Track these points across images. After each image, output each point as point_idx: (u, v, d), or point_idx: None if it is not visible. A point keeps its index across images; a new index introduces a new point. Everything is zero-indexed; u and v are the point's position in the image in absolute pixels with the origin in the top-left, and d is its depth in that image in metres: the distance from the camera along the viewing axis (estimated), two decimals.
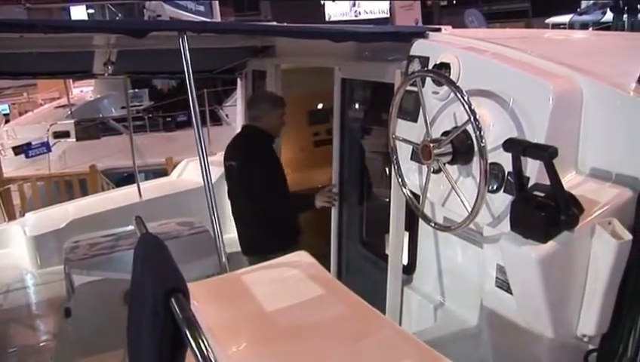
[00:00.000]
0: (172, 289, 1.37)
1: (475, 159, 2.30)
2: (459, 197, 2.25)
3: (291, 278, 2.11)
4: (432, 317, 2.91)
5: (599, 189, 2.01)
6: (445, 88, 2.43)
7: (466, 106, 2.09)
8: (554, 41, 3.16)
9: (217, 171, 5.49)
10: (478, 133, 2.06)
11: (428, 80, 2.51)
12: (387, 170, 3.63)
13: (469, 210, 2.17)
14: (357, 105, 3.66)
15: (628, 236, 1.87)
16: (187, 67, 2.65)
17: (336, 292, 2.01)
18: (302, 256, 2.26)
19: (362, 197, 3.70)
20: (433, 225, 2.46)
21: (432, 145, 2.30)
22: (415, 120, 2.65)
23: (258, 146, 3.95)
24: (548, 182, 1.98)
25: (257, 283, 2.08)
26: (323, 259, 3.53)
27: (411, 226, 3.08)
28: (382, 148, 3.41)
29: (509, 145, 1.99)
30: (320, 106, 5.54)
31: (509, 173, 2.17)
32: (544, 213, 1.87)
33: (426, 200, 2.54)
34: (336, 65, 3.49)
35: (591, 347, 2.07)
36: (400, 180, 2.56)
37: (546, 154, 1.84)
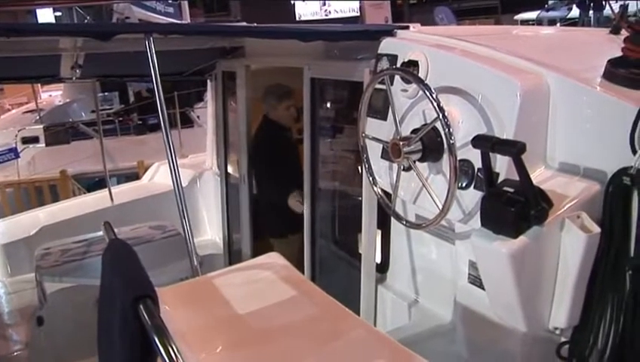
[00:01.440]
0: (140, 295, 1.35)
1: (445, 156, 2.31)
2: (429, 194, 2.25)
3: (263, 280, 2.10)
4: (407, 314, 2.91)
5: (568, 183, 2.03)
6: (414, 86, 2.43)
7: (435, 104, 2.09)
8: (522, 38, 3.18)
9: (189, 174, 5.48)
10: (446, 130, 2.06)
11: (397, 78, 2.52)
12: (359, 168, 3.63)
13: (440, 207, 2.18)
14: (327, 105, 3.66)
15: (596, 229, 1.89)
16: (154, 70, 2.61)
17: (308, 293, 2.00)
18: (273, 258, 2.25)
19: (334, 196, 3.70)
20: (405, 223, 2.47)
21: (401, 143, 2.30)
22: (385, 118, 2.65)
23: (264, 136, 4.43)
24: (517, 178, 2.00)
25: (229, 286, 2.06)
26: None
27: (384, 224, 3.07)
28: (353, 146, 3.41)
29: (478, 141, 2.00)
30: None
31: (478, 169, 2.17)
32: (514, 208, 1.88)
33: (397, 199, 2.54)
34: (305, 65, 3.47)
35: (563, 339, 2.09)
36: (371, 179, 2.56)
37: (514, 149, 1.85)
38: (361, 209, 3.04)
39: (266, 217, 4.47)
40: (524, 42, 3.00)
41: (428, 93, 2.10)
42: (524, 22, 17.16)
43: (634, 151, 1.84)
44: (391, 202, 2.50)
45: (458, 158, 2.15)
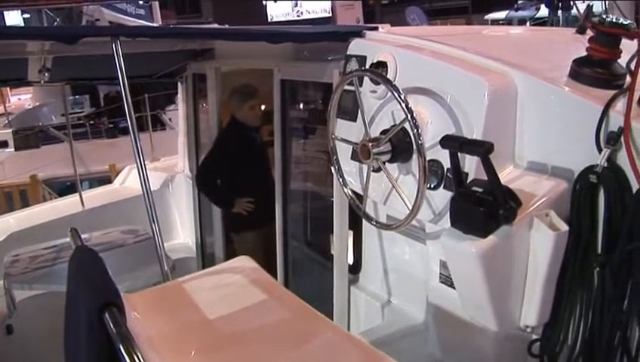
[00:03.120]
0: (106, 303, 1.33)
1: (415, 157, 2.30)
2: (399, 195, 2.25)
3: (234, 284, 2.07)
4: (380, 315, 2.91)
5: (536, 182, 2.04)
6: (383, 87, 2.43)
7: (403, 105, 2.09)
8: (490, 38, 3.20)
9: (161, 177, 5.42)
10: (415, 130, 2.06)
11: (366, 79, 2.51)
12: (330, 169, 3.62)
13: (410, 207, 2.17)
14: (297, 106, 3.65)
15: (564, 227, 1.90)
16: (121, 73, 2.57)
17: (279, 297, 1.98)
18: (244, 262, 2.23)
19: (306, 198, 3.69)
20: (375, 224, 2.46)
21: (370, 144, 2.29)
22: (354, 119, 2.64)
23: (225, 132, 4.41)
24: (486, 178, 2.01)
25: (200, 291, 2.03)
26: None
27: (355, 225, 3.07)
28: (324, 148, 3.39)
29: (446, 142, 2.00)
30: (262, 108, 5.50)
31: (448, 169, 2.17)
32: (483, 208, 1.89)
33: (368, 200, 2.54)
34: (275, 67, 3.46)
35: (534, 337, 2.10)
36: (341, 180, 2.55)
37: (482, 149, 1.85)
38: (332, 210, 3.04)
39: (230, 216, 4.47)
40: (492, 42, 3.02)
41: (396, 95, 2.10)
42: (495, 21, 17.33)
43: (599, 150, 1.85)
44: (362, 203, 2.49)
45: (427, 159, 2.15)
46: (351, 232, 3.09)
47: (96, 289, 1.39)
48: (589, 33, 2.64)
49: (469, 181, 2.06)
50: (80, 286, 1.48)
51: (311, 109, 3.61)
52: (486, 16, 18.75)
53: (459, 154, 2.02)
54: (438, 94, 2.24)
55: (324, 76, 3.00)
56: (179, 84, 5.31)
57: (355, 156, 2.59)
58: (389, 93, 2.40)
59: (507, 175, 2.12)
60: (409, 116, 2.07)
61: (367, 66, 2.58)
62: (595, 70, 2.03)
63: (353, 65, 2.69)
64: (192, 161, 4.93)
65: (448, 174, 2.18)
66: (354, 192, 2.58)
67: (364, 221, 3.02)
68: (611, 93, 1.95)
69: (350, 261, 3.12)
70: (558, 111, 2.04)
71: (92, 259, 1.58)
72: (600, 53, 2.00)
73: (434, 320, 2.47)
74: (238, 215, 4.31)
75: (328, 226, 3.16)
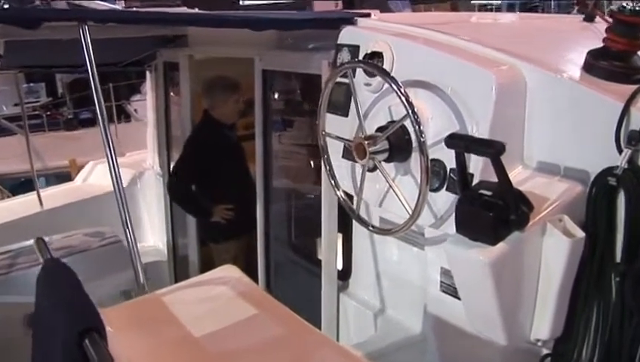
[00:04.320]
0: (86, 328, 1.25)
1: (414, 156, 2.26)
2: (398, 197, 2.20)
3: (220, 296, 2.01)
4: (372, 325, 2.87)
5: (547, 184, 2.00)
6: (378, 79, 2.38)
7: (403, 99, 2.04)
8: (489, 26, 3.15)
9: (128, 173, 5.30)
10: (417, 127, 2.01)
11: (359, 70, 2.45)
12: (316, 167, 3.57)
13: (410, 211, 2.12)
14: (281, 98, 3.58)
15: (580, 233, 1.86)
16: (89, 60, 2.47)
17: (269, 310, 1.92)
18: (229, 271, 2.16)
19: (290, 197, 3.63)
20: (371, 228, 2.41)
21: (366, 142, 2.24)
22: (346, 114, 2.58)
23: (199, 131, 4.24)
24: (494, 179, 1.95)
25: (182, 304, 1.96)
26: None
27: (345, 228, 3.03)
28: (309, 144, 3.35)
29: (452, 141, 1.95)
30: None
31: (451, 169, 2.13)
32: (492, 212, 1.84)
33: (361, 202, 2.49)
34: (256, 56, 3.38)
35: (545, 351, 2.07)
36: (333, 182, 2.49)
37: (493, 150, 1.80)
38: (319, 210, 2.99)
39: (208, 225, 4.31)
40: (492, 30, 2.98)
41: (396, 88, 2.05)
42: (482, 7, 17.39)
43: (620, 150, 1.82)
44: (354, 205, 2.44)
45: (429, 158, 2.10)
46: (340, 235, 3.03)
47: (75, 313, 1.31)
48: (599, 21, 2.65)
49: (475, 183, 2.01)
50: (55, 306, 1.40)
51: (295, 102, 3.55)
52: (473, 1, 18.79)
53: (464, 154, 1.96)
54: (440, 88, 2.19)
55: (311, 67, 2.94)
56: (147, 72, 5.20)
57: (347, 154, 2.53)
58: (385, 87, 2.37)
59: (516, 176, 2.08)
60: (410, 112, 2.01)
61: (361, 57, 2.52)
62: (613, 63, 2.00)
63: (345, 55, 2.63)
64: (163, 156, 4.83)
65: (452, 175, 2.14)
66: (345, 193, 2.53)
67: (354, 223, 2.97)
68: (630, 88, 1.92)
69: (339, 266, 3.06)
70: (571, 107, 2.01)
71: (66, 276, 1.49)
72: (618, 44, 1.97)
73: (433, 332, 2.43)
74: (216, 224, 4.13)
75: (315, 228, 3.12)
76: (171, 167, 4.54)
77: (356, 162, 2.45)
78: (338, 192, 2.46)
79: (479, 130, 2.06)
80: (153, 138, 5.11)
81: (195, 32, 4.20)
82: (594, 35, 2.16)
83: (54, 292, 1.45)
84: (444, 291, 2.33)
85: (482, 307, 2.00)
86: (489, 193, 1.90)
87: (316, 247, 3.35)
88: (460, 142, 1.92)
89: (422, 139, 2.00)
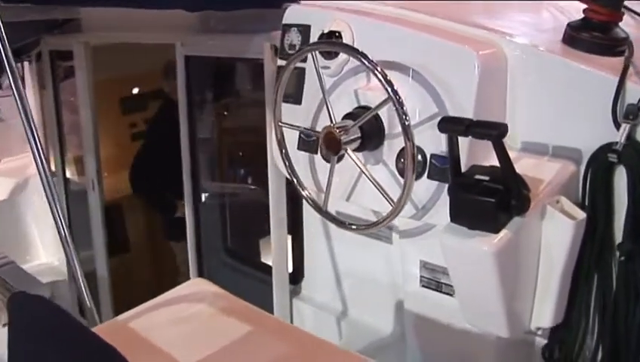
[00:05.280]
0: None
1: (387, 143, 2.27)
2: (379, 189, 2.19)
3: (199, 315, 1.94)
4: (336, 330, 2.87)
5: (538, 165, 2.07)
6: (338, 61, 2.37)
7: (384, 82, 2.03)
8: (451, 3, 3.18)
9: (9, 182, 5.00)
10: (401, 110, 2.01)
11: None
12: (254, 161, 3.52)
13: (394, 201, 2.13)
14: (209, 88, 3.48)
15: (581, 214, 1.94)
16: None
17: (262, 323, 1.88)
18: (199, 284, 2.10)
19: (224, 196, 3.55)
20: (348, 225, 2.38)
21: (338, 131, 2.22)
22: (298, 101, 2.55)
23: (159, 119, 4.39)
24: (480, 163, 2.02)
25: (156, 330, 1.87)
26: None
27: (294, 226, 3.00)
28: (245, 136, 3.29)
29: (446, 125, 1.96)
30: (135, 91, 5.25)
31: (432, 155, 2.16)
32: (494, 198, 1.88)
33: (321, 196, 2.46)
34: (177, 41, 3.26)
35: (540, 340, 2.15)
36: (296, 180, 2.44)
37: (495, 132, 1.83)
38: (259, 208, 2.95)
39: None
40: (461, 5, 3.00)
41: (377, 71, 2.04)
42: None
43: (617, 126, 1.91)
44: (321, 203, 2.41)
45: (402, 146, 2.14)
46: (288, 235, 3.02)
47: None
48: None
49: (466, 169, 2.05)
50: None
51: (228, 91, 3.47)
52: None
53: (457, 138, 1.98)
54: (413, 69, 2.20)
55: (248, 51, 2.89)
56: (26, 64, 4.91)
57: (304, 146, 2.51)
58: (345, 69, 2.37)
59: None
60: (393, 94, 2.01)
61: (315, 38, 2.49)
62: (594, 34, 2.09)
63: (294, 37, 2.58)
64: (57, 161, 4.58)
65: (433, 161, 2.17)
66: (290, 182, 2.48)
67: (304, 220, 2.96)
68: (615, 60, 2.02)
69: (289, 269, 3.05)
70: (557, 83, 2.08)
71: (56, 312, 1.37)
72: (600, 15, 2.05)
73: (414, 331, 2.46)
74: (180, 220, 3.96)
75: (256, 230, 3.07)
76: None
77: (315, 154, 2.46)
78: (304, 192, 2.43)
79: (462, 112, 2.08)
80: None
81: (90, 15, 4.01)
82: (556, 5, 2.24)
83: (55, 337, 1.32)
84: (425, 286, 2.36)
85: (483, 299, 2.04)
86: (486, 178, 1.94)
87: (258, 250, 3.30)
88: (456, 126, 1.93)
89: (406, 122, 2.01)
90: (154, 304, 2.04)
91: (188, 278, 3.54)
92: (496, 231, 1.90)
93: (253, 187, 3.65)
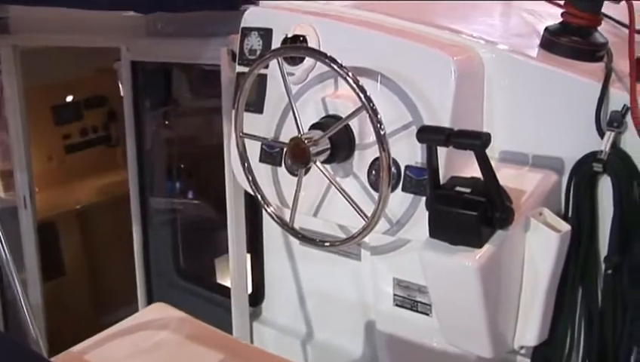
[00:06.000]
0: None
1: (358, 154, 2.28)
2: (351, 203, 2.20)
3: (162, 343, 1.91)
4: (301, 355, 2.86)
5: (518, 176, 2.11)
6: (303, 67, 2.37)
7: (357, 89, 2.04)
8: (422, 4, 3.21)
9: None
10: (375, 118, 2.01)
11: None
12: (204, 174, 3.49)
13: (367, 216, 2.14)
14: (157, 95, 3.44)
15: (565, 226, 1.98)
16: None
17: (229, 349, 1.86)
18: (161, 309, 2.06)
19: (176, 215, 3.50)
20: (325, 244, 2.36)
21: (307, 142, 2.21)
22: (260, 110, 2.54)
23: None
24: (458, 174, 2.05)
25: (117, 361, 1.83)
26: None
27: (252, 244, 3.00)
28: (199, 148, 3.27)
29: (425, 134, 1.98)
30: (69, 99, 5.16)
31: (406, 167, 2.18)
32: (477, 211, 1.90)
33: (286, 212, 2.46)
34: (122, 45, 3.22)
35: (521, 359, 2.19)
36: (259, 196, 2.42)
37: (479, 142, 1.85)
38: (213, 225, 2.93)
39: None
40: (430, 8, 3.02)
41: (349, 78, 2.04)
42: None
43: (601, 134, 1.96)
44: (288, 219, 2.40)
45: (374, 157, 2.18)
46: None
47: None
48: None
49: (444, 181, 2.07)
50: None
51: (174, 99, 3.43)
52: None
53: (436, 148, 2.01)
54: (384, 76, 2.22)
55: (202, 56, 2.87)
56: None
57: (266, 158, 2.51)
58: (310, 77, 2.38)
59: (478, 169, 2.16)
60: (367, 103, 2.02)
61: (277, 42, 2.48)
62: (573, 39, 2.14)
63: (254, 41, 2.57)
64: None
65: (408, 173, 2.19)
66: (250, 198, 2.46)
67: (265, 238, 2.95)
68: (595, 65, 2.08)
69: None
70: (537, 89, 2.13)
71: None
72: (580, 19, 2.11)
73: (389, 353, 2.47)
74: None
75: (209, 247, 3.05)
76: None
77: (279, 166, 2.46)
78: (269, 209, 2.41)
79: (438, 120, 2.11)
80: None
81: (20, 15, 3.91)
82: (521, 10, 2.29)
83: None
84: (398, 305, 2.38)
85: (465, 317, 2.06)
86: (468, 190, 1.96)
87: (214, 270, 3.27)
88: (436, 136, 1.94)
89: (382, 132, 2.02)
90: (113, 332, 1.99)
91: (133, 301, 3.51)
92: (480, 245, 1.92)
93: (205, 203, 3.62)
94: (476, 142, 1.86)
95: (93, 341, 1.96)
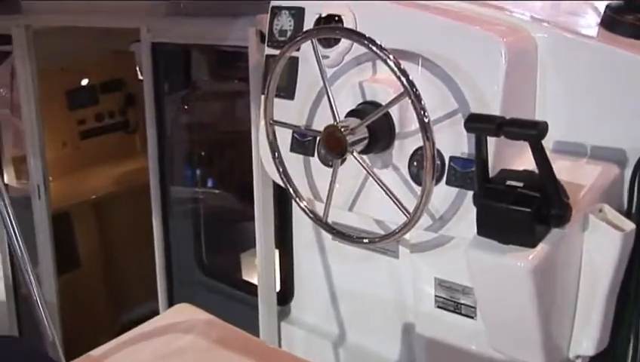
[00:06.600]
0: None
1: (397, 143, 2.22)
2: (390, 196, 2.13)
3: (188, 348, 1.86)
4: (332, 357, 2.81)
5: (575, 168, 2.03)
6: (338, 50, 2.32)
7: (399, 73, 1.97)
8: None
9: None
10: (419, 105, 1.95)
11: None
12: (229, 162, 3.46)
13: (409, 211, 2.07)
14: (178, 78, 3.40)
15: (629, 225, 1.90)
16: None
17: (261, 356, 1.81)
18: (185, 310, 2.02)
19: (198, 206, 3.46)
20: (364, 241, 2.30)
21: (343, 130, 2.14)
22: (291, 96, 2.49)
23: None
24: (508, 167, 1.98)
25: None
26: None
27: (281, 239, 2.96)
28: (224, 135, 3.23)
29: (474, 123, 1.90)
30: (85, 83, 5.14)
31: (451, 158, 2.11)
32: (531, 208, 1.83)
33: (316, 205, 2.41)
34: (142, 26, 3.17)
35: None
36: (292, 190, 2.37)
37: (535, 132, 1.78)
38: (240, 218, 2.88)
39: None
40: None
41: (391, 62, 1.97)
42: None
43: None
44: (322, 213, 2.33)
45: (415, 147, 2.12)
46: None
47: None
48: None
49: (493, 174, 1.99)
50: None
51: (198, 82, 3.39)
52: None
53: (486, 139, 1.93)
54: (426, 59, 2.15)
55: (229, 37, 2.82)
56: None
57: (298, 147, 2.46)
58: (346, 60, 2.32)
59: (531, 159, 2.08)
60: (410, 88, 1.95)
61: (310, 22, 2.42)
62: (639, 17, 2.05)
63: (285, 21, 2.51)
64: None
65: (452, 164, 2.12)
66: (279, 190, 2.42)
67: (294, 232, 2.91)
68: None
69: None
70: (597, 73, 2.04)
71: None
72: None
73: (428, 357, 2.42)
74: None
75: (234, 243, 3.01)
76: None
77: (311, 156, 2.41)
78: (301, 203, 2.35)
79: (486, 108, 2.04)
80: None
81: None
82: None
83: None
84: (440, 307, 2.32)
85: (515, 323, 1.99)
86: (520, 184, 1.88)
87: (239, 266, 3.24)
88: (487, 125, 1.87)
89: (426, 120, 1.95)
90: (134, 335, 1.95)
91: (152, 300, 3.49)
92: (533, 245, 1.85)
93: (229, 192, 3.59)
94: (532, 132, 1.79)
95: (113, 344, 1.92)
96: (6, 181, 4.65)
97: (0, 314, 4.61)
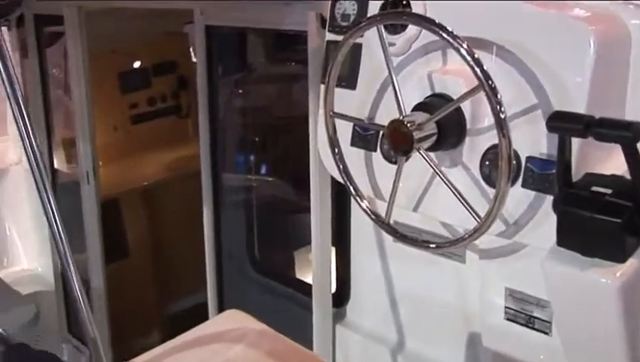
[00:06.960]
0: None
1: (468, 141, 2.11)
2: (459, 198, 2.02)
3: (236, 360, 1.78)
4: None
5: None
6: (405, 37, 2.21)
7: (473, 64, 1.85)
8: None
9: None
10: (495, 99, 1.83)
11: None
12: (287, 156, 3.40)
13: (479, 216, 1.95)
14: (232, 62, 3.36)
15: None
16: None
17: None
18: (235, 317, 1.95)
19: (251, 196, 3.41)
20: (431, 246, 2.21)
21: (410, 125, 2.03)
22: (352, 86, 2.40)
23: None
24: (593, 171, 1.86)
25: None
26: None
27: (338, 237, 2.89)
28: (281, 124, 3.16)
29: (558, 122, 1.78)
30: (137, 65, 5.13)
31: (528, 158, 1.99)
32: (621, 218, 1.69)
33: (380, 205, 2.30)
34: (196, 7, 3.12)
35: None
36: (352, 188, 2.27)
37: (629, 134, 1.64)
38: (295, 213, 2.80)
39: None
40: None
41: (465, 53, 1.86)
42: None
43: None
44: (385, 214, 2.23)
45: (488, 145, 2.02)
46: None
47: None
48: None
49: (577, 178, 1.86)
50: None
51: (254, 68, 3.34)
52: None
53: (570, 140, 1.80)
54: (504, 48, 2.03)
55: (286, 21, 2.77)
56: (4, 29, 4.78)
57: (360, 142, 2.37)
58: (413, 48, 2.22)
59: (618, 164, 1.94)
60: (485, 81, 1.83)
61: (375, 7, 2.32)
62: None
63: (348, 4, 2.43)
64: (43, 147, 4.46)
65: (529, 165, 2.00)
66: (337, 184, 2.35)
67: (352, 230, 2.82)
68: None
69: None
70: None
71: None
72: None
73: None
74: None
75: (288, 240, 2.93)
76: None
77: (373, 152, 2.33)
78: (362, 204, 2.26)
79: (570, 104, 1.90)
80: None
81: None
82: None
83: None
84: (510, 319, 2.20)
85: (597, 342, 1.88)
86: (608, 191, 1.75)
87: (293, 264, 3.17)
88: (573, 125, 1.74)
89: (502, 115, 1.83)
90: (181, 342, 1.91)
91: (201, 292, 3.44)
92: (622, 260, 1.73)
93: (284, 182, 3.54)
94: (626, 133, 1.66)
95: (158, 351, 1.87)
96: (56, 165, 4.65)
97: (49, 305, 4.64)
